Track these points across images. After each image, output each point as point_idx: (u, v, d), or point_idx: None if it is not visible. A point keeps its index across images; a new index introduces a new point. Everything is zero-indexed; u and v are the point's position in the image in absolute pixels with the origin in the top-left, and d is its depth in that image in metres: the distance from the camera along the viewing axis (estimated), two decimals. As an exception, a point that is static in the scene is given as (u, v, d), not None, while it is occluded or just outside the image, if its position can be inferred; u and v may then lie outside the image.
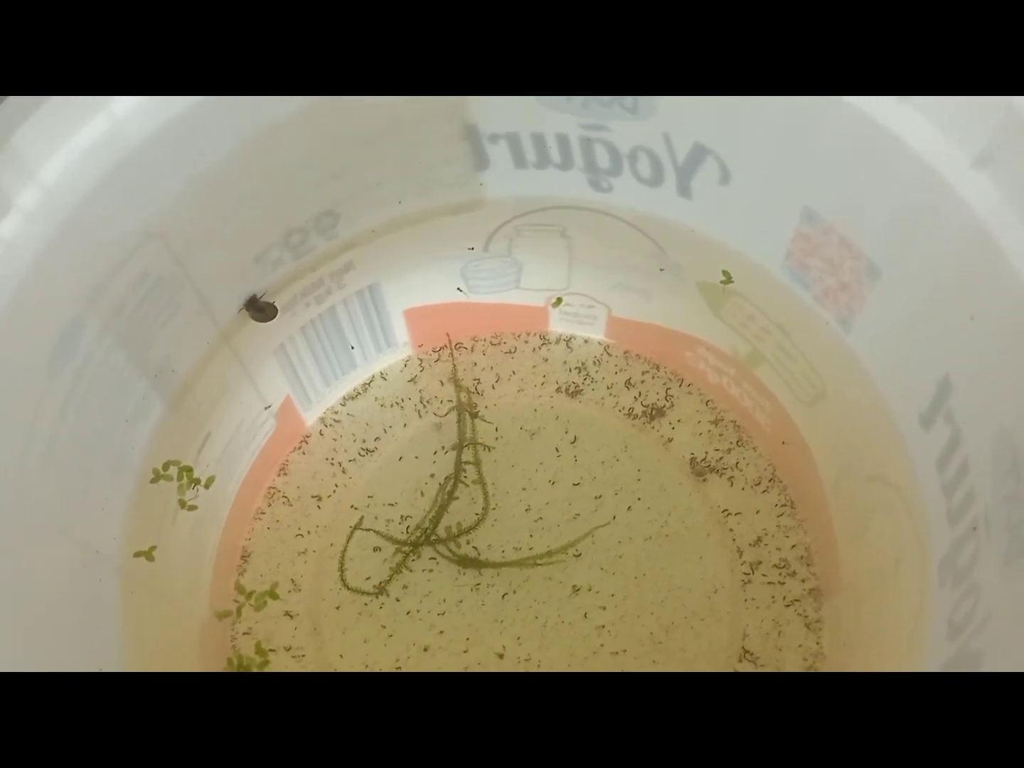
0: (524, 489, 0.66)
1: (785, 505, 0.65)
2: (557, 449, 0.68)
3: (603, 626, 0.62)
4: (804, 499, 0.64)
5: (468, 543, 0.64)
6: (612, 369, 0.70)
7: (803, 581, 0.63)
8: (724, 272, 0.56)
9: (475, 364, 0.71)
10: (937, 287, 0.42)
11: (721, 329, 0.62)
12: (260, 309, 0.54)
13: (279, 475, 0.68)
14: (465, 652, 0.62)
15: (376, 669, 0.61)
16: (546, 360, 0.71)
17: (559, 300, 0.68)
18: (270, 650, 0.62)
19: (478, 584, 0.63)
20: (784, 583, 0.63)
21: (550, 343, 0.72)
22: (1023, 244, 0.37)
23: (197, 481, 0.56)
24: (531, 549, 0.64)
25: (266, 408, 0.62)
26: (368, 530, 0.65)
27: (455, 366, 0.71)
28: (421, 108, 0.48)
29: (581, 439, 0.68)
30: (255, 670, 0.61)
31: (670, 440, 0.68)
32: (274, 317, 0.55)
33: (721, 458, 0.67)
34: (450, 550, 0.64)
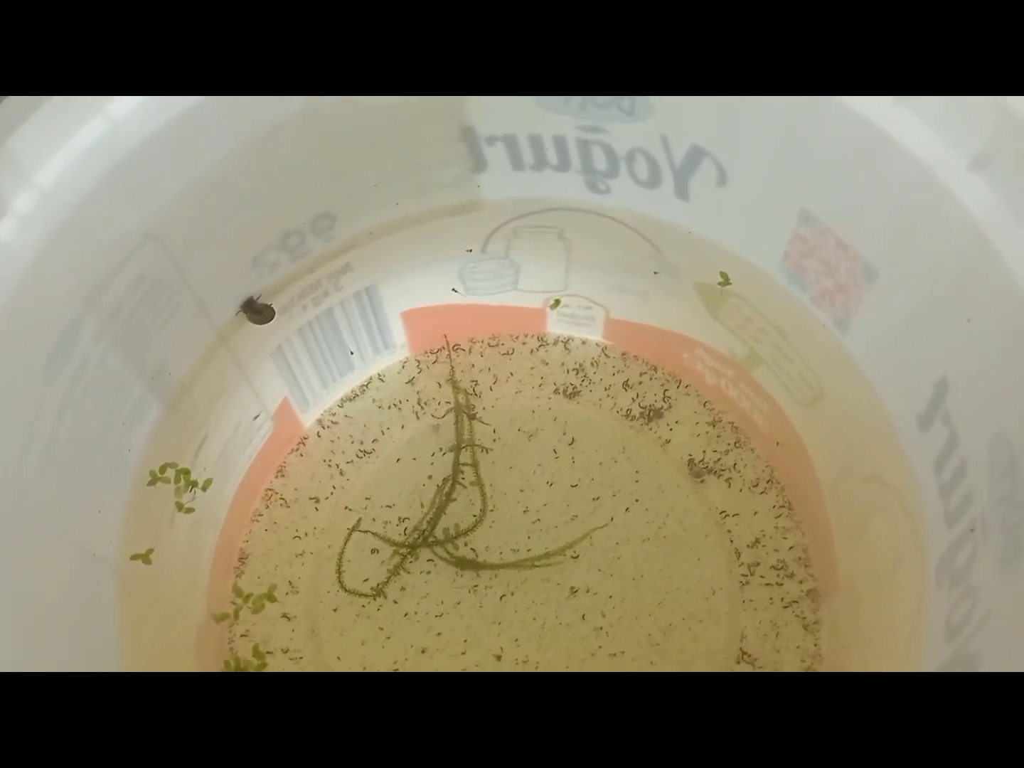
0: (522, 491, 0.66)
1: (783, 506, 0.65)
2: (555, 450, 0.68)
3: (601, 628, 0.62)
4: (802, 500, 0.64)
5: (466, 545, 0.64)
6: (610, 371, 0.70)
7: (801, 582, 0.63)
8: (722, 274, 0.56)
9: (473, 366, 0.71)
10: (934, 289, 0.42)
11: (719, 331, 0.62)
12: (257, 311, 0.54)
13: (277, 477, 0.68)
14: (463, 654, 0.62)
15: (374, 671, 0.61)
16: (544, 362, 0.71)
17: (557, 302, 0.68)
18: (267, 652, 0.62)
19: (476, 586, 0.63)
20: (782, 584, 0.63)
21: (548, 344, 0.72)
22: (1020, 246, 0.37)
23: (194, 483, 0.56)
24: (529, 551, 0.64)
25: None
26: (366, 532, 0.65)
27: (453, 368, 0.71)
28: (419, 109, 0.48)
29: (579, 440, 0.68)
30: (253, 672, 0.61)
31: (668, 441, 0.68)
32: (271, 319, 0.55)
33: (719, 459, 0.67)
34: (448, 552, 0.64)
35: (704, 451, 0.67)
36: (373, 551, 0.65)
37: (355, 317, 0.64)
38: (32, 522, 0.41)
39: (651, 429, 0.68)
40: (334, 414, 0.70)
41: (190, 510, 0.56)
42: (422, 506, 0.66)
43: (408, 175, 0.53)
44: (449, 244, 0.61)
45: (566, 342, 0.72)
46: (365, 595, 0.63)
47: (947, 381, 0.42)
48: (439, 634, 0.62)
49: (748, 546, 0.64)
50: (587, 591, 0.63)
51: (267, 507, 0.67)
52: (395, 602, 0.63)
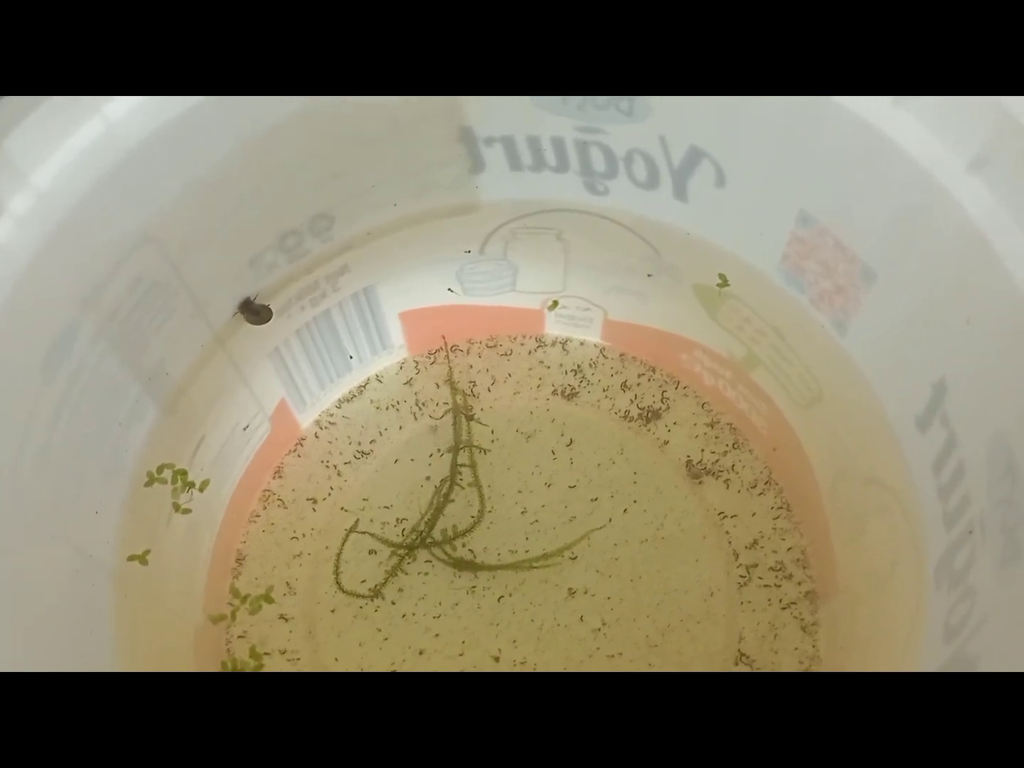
0: (520, 492, 0.66)
1: (781, 508, 0.65)
2: (553, 452, 0.68)
3: (599, 629, 0.62)
4: (800, 502, 0.64)
5: (464, 546, 0.64)
6: (608, 372, 0.70)
7: (799, 584, 0.63)
8: (720, 275, 0.56)
9: (471, 367, 0.71)
10: (932, 290, 0.42)
11: (717, 332, 0.62)
12: (255, 312, 0.54)
13: (274, 478, 0.68)
14: (461, 655, 0.62)
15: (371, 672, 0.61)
16: (542, 363, 0.71)
17: (555, 303, 0.68)
18: (265, 654, 0.62)
19: (474, 587, 0.63)
20: (780, 586, 0.63)
21: (546, 346, 0.72)
22: (1018, 247, 0.37)
23: (191, 484, 0.56)
24: (527, 552, 0.64)
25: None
26: (363, 533, 0.65)
27: (451, 368, 0.71)
28: (418, 110, 0.48)
29: (577, 442, 0.68)
30: (250, 674, 0.61)
31: (666, 443, 0.68)
32: (269, 320, 0.55)
33: (717, 461, 0.67)
34: (446, 553, 0.64)
35: (702, 452, 0.67)
36: (371, 552, 0.65)
37: (353, 318, 0.64)
38: (29, 523, 0.41)
39: (649, 430, 0.68)
40: (332, 415, 0.70)
41: (187, 511, 0.56)
42: (420, 507, 0.66)
43: (407, 176, 0.53)
44: (447, 245, 0.61)
45: (564, 343, 0.72)
46: (363, 596, 0.63)
47: (946, 382, 0.42)
48: (437, 635, 0.62)
49: (746, 547, 0.64)
50: (585, 592, 0.63)
51: (264, 508, 0.67)
52: (393, 603, 0.63)
